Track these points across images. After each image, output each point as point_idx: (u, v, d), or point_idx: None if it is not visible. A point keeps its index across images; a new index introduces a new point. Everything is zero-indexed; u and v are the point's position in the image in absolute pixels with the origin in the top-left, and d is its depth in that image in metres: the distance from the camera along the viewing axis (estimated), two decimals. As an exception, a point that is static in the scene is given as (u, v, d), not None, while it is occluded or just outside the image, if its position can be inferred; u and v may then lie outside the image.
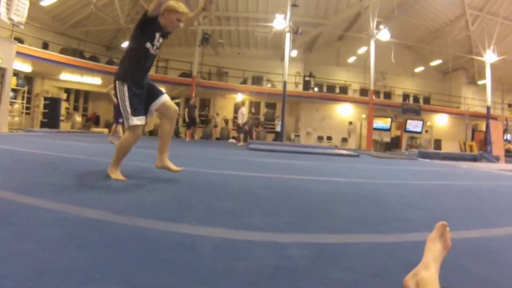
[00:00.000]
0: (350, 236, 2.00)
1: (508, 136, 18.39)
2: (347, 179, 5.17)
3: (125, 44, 22.36)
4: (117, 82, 3.23)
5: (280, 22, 18.17)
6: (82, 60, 18.08)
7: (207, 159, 6.88)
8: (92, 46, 21.05)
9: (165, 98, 3.47)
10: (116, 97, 3.28)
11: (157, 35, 3.32)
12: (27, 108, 17.65)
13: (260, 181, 3.98)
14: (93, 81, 19.22)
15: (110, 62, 19.58)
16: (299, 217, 2.34)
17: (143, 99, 3.33)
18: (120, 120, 8.66)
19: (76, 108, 21.47)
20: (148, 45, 3.27)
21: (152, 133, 19.96)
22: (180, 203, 2.48)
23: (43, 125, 16.21)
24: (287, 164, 6.73)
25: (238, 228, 1.92)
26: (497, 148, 17.36)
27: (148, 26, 3.26)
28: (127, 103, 3.19)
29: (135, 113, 3.21)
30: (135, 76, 3.27)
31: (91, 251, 1.39)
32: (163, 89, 15.12)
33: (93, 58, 19.24)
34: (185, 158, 6.29)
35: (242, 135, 16.25)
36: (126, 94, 3.19)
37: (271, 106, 23.42)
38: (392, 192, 4.00)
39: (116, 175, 3.20)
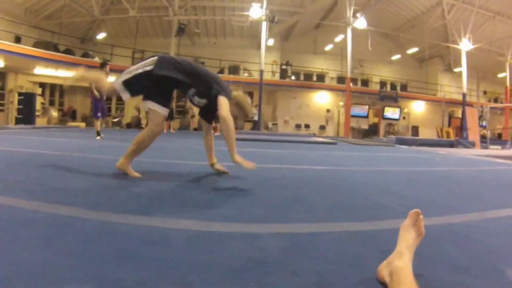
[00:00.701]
0: (325, 225, 1.97)
1: (484, 123, 18.66)
2: (324, 167, 5.12)
3: (100, 36, 22.12)
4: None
5: (257, 11, 18.15)
6: (57, 53, 17.60)
7: (182, 150, 6.79)
8: (66, 39, 20.55)
9: (157, 108, 3.24)
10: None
11: None
12: (1, 105, 17.27)
13: (234, 172, 3.94)
14: (68, 74, 18.60)
15: (85, 55, 19.22)
16: (274, 207, 2.31)
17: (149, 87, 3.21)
18: (99, 115, 8.60)
19: (52, 103, 21.00)
20: None
21: (130, 125, 19.79)
22: (154, 196, 2.42)
23: (18, 121, 15.82)
24: (263, 153, 6.65)
25: (212, 220, 1.88)
26: (473, 134, 17.68)
27: None
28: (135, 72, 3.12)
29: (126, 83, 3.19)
30: None
31: (62, 249, 1.33)
32: None
33: (68, 51, 18.74)
34: (159, 151, 6.22)
35: (219, 125, 16.17)
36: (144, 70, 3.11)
37: (248, 95, 23.35)
38: (369, 179, 3.97)
39: (131, 172, 3.08)
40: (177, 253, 1.37)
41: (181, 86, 3.17)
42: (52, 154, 4.90)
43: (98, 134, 8.51)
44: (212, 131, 3.71)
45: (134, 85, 3.10)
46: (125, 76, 3.09)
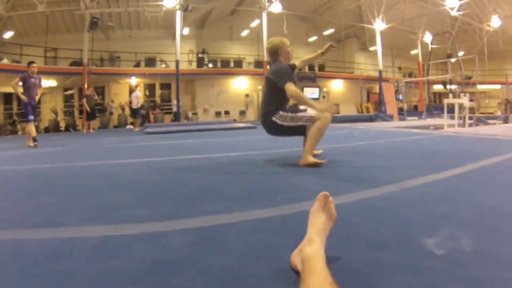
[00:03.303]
0: (235, 215, 1.89)
1: (400, 96, 19.65)
2: (240, 152, 5.12)
3: (7, 35, 20.69)
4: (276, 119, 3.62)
5: (170, 0, 17.80)
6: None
7: (100, 150, 6.56)
8: None
9: None
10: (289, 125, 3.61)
11: None
12: None
13: (149, 166, 3.85)
14: None
15: None
16: (185, 200, 2.26)
17: None
18: (31, 118, 7.77)
19: None
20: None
21: (48, 130, 18.81)
22: (64, 203, 2.30)
23: None
24: (182, 144, 6.60)
25: (119, 222, 1.81)
26: (391, 108, 18.54)
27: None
28: (298, 114, 3.55)
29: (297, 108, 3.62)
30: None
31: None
32: (54, 81, 14.27)
33: None
34: (75, 152, 6.00)
35: (138, 120, 15.91)
36: (289, 114, 3.57)
37: (166, 86, 22.98)
38: (284, 160, 3.93)
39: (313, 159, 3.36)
40: (81, 264, 1.31)
41: None
42: None
43: (35, 140, 7.59)
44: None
45: None
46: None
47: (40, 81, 8.18)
